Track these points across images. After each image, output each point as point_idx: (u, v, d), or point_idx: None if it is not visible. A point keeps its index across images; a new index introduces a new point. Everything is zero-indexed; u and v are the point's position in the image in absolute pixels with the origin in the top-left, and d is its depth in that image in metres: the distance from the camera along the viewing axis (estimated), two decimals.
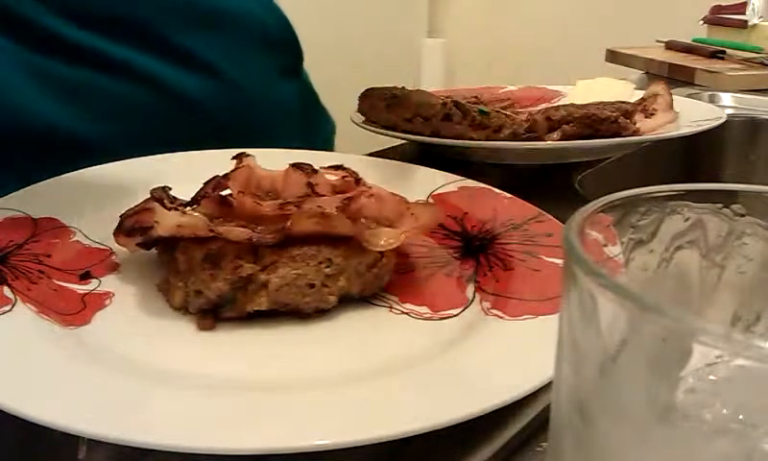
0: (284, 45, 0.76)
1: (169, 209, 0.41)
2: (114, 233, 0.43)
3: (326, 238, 0.40)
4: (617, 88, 0.79)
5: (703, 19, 1.32)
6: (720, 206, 0.23)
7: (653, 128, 0.67)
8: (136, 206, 0.44)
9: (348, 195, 0.43)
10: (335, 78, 0.93)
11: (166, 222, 0.39)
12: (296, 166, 0.46)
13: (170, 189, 0.44)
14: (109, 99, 0.62)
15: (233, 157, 0.46)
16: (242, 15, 0.70)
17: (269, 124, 0.71)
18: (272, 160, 0.47)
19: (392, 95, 0.70)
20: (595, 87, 0.80)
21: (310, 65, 0.83)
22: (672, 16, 1.44)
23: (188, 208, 0.42)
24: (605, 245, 0.22)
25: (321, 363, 0.36)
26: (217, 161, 0.47)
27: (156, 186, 0.44)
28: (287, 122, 0.75)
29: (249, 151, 0.47)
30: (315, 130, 0.81)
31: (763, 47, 1.18)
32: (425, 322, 0.40)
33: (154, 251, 0.43)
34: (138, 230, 0.42)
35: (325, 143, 0.81)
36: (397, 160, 0.60)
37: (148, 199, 0.44)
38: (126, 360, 0.35)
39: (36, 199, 0.48)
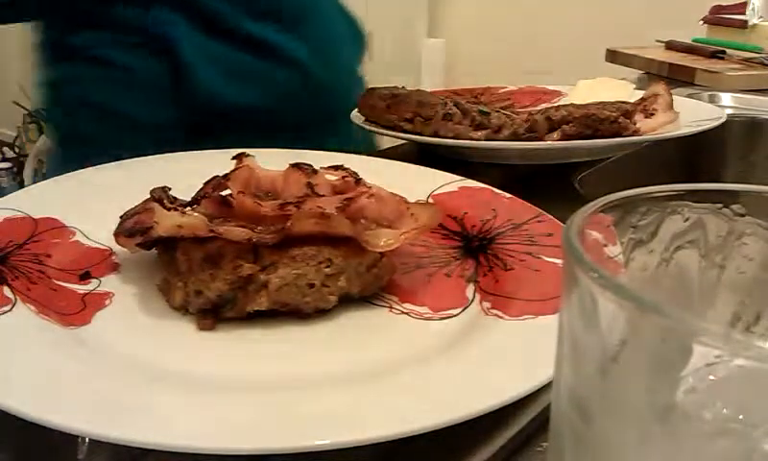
0: (362, 38, 0.90)
1: (169, 210, 0.41)
2: (114, 234, 0.43)
3: (326, 238, 0.40)
4: (617, 88, 0.79)
5: (703, 19, 1.32)
6: (720, 206, 0.23)
7: (653, 128, 0.67)
8: (136, 206, 0.44)
9: (347, 195, 0.43)
10: None
11: (166, 222, 0.39)
12: (296, 166, 0.45)
13: (170, 189, 0.44)
14: (266, 81, 0.73)
15: (233, 157, 0.46)
16: (341, 13, 0.85)
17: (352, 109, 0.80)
18: (272, 160, 0.47)
19: (392, 95, 0.70)
20: (595, 87, 0.80)
21: None
22: (672, 16, 1.44)
23: (188, 208, 0.42)
24: (605, 245, 0.22)
25: (321, 363, 0.36)
26: (217, 161, 0.47)
27: (155, 186, 0.44)
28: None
29: (249, 151, 0.47)
30: None
31: (763, 47, 1.18)
32: (425, 322, 0.40)
33: (154, 251, 0.43)
34: (138, 231, 0.42)
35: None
36: (397, 160, 0.60)
37: (148, 199, 0.44)
38: (126, 360, 0.35)
39: (36, 199, 0.48)
